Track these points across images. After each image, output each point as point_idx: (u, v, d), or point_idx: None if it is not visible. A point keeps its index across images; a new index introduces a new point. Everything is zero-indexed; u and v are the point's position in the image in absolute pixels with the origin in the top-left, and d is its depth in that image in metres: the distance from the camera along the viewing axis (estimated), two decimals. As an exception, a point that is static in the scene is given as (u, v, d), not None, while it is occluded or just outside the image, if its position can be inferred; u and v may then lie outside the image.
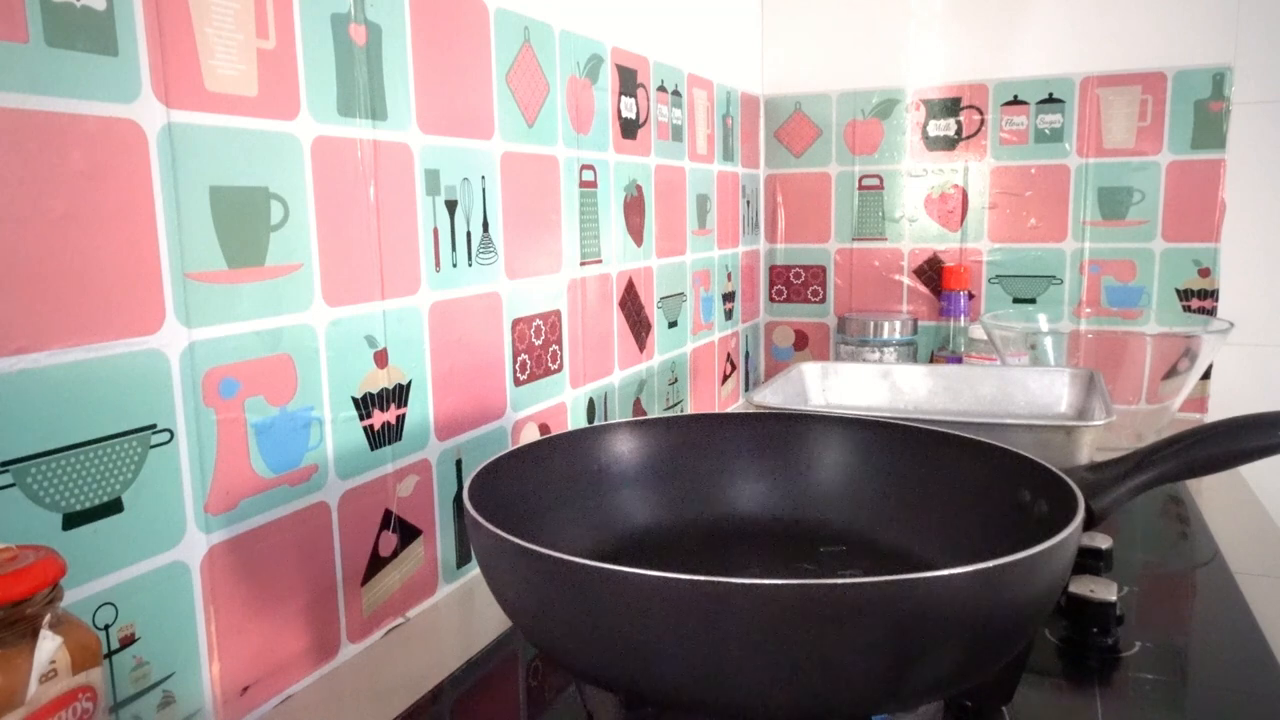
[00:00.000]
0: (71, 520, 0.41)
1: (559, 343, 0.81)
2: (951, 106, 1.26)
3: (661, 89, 0.99)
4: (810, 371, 0.96)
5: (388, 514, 0.61)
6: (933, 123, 1.27)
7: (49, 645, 0.32)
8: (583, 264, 0.84)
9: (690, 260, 1.10)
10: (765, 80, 1.34)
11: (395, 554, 0.62)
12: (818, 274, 1.36)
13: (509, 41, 0.71)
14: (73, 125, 0.41)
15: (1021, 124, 1.23)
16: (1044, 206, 1.23)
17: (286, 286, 0.52)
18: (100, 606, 0.43)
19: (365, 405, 0.59)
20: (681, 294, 1.07)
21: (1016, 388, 0.91)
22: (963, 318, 1.25)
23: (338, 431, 0.57)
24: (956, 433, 0.58)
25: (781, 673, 0.36)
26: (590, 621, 0.38)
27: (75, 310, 0.41)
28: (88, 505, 0.42)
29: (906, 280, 1.31)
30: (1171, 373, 0.94)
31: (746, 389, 1.34)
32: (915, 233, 1.30)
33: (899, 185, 1.30)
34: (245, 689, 0.51)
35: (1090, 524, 0.48)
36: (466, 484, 0.48)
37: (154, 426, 0.45)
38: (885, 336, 1.25)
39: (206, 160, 0.47)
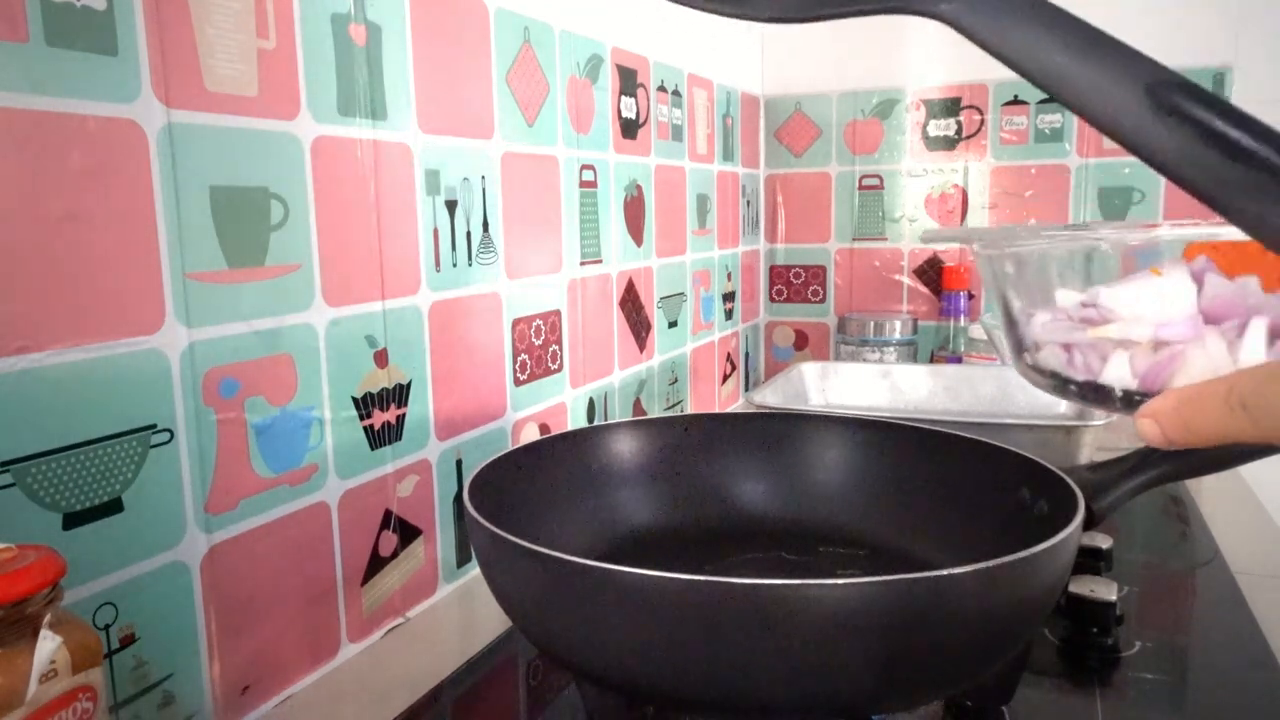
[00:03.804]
0: (71, 520, 0.41)
1: (559, 343, 0.81)
2: (951, 106, 1.26)
3: (661, 89, 0.99)
4: (810, 371, 0.96)
5: (388, 514, 0.61)
6: (933, 123, 1.27)
7: (49, 645, 0.32)
8: (583, 264, 0.84)
9: (690, 260, 1.10)
10: (765, 80, 1.34)
11: (395, 554, 0.62)
12: (818, 274, 1.36)
13: (509, 41, 0.71)
14: (73, 125, 0.41)
15: (1021, 124, 1.23)
16: (1044, 206, 1.23)
17: (286, 286, 0.52)
18: (100, 606, 0.43)
19: (365, 405, 0.59)
20: (681, 294, 1.07)
21: (1016, 388, 0.91)
22: (963, 318, 1.25)
23: (338, 431, 0.57)
24: (957, 433, 0.58)
25: (781, 672, 0.36)
26: (590, 621, 0.38)
27: (75, 310, 0.41)
28: (88, 505, 0.42)
29: (906, 280, 1.31)
30: (1171, 373, 0.94)
31: (746, 389, 1.34)
32: (915, 233, 1.30)
33: (899, 185, 1.30)
34: (245, 689, 0.51)
35: (1090, 524, 0.48)
36: (466, 484, 0.48)
37: (154, 426, 0.45)
38: (885, 336, 1.25)
39: (206, 160, 0.47)
